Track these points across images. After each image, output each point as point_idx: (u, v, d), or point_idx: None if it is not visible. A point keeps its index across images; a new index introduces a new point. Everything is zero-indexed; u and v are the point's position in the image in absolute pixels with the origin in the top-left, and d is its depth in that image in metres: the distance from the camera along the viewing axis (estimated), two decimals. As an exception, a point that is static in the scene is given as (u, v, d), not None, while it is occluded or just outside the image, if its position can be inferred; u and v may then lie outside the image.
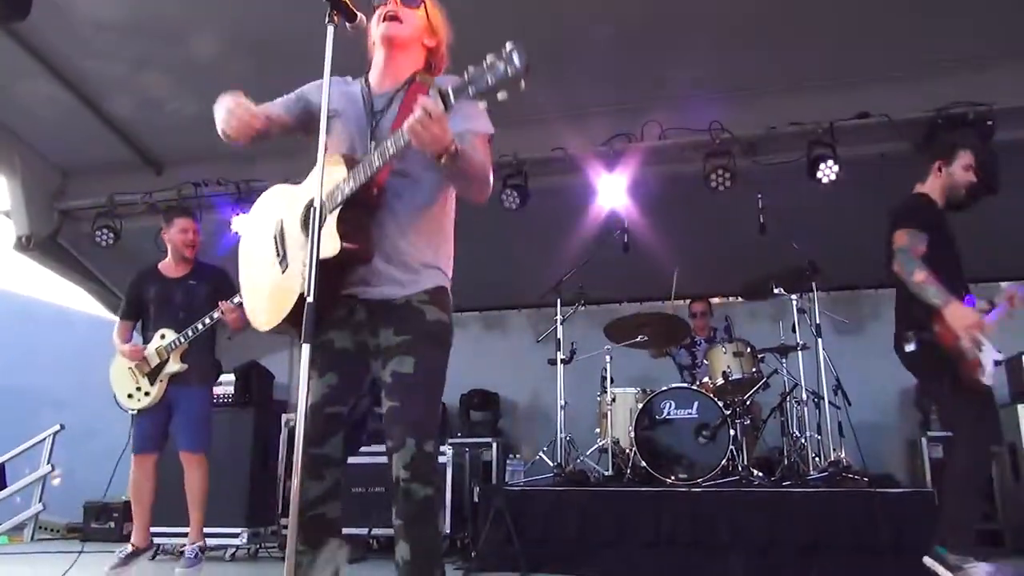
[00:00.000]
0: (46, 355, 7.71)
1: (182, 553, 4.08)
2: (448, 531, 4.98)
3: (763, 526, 3.88)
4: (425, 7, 2.15)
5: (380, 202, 2.02)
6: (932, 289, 3.05)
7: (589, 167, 5.09)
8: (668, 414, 4.63)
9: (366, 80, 2.19)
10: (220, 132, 2.11)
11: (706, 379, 5.07)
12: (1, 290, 7.94)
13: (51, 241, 6.02)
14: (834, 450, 4.53)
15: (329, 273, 1.87)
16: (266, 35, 4.48)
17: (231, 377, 5.75)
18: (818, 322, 4.71)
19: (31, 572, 4.68)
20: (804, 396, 4.66)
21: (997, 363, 3.11)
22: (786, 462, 4.63)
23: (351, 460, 2.07)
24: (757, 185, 4.92)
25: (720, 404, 4.57)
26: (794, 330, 4.87)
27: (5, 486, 6.38)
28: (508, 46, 1.65)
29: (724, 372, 4.86)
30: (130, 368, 4.05)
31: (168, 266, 4.24)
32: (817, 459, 4.60)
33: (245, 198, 5.47)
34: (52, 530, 6.65)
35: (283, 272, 2.08)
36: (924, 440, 5.39)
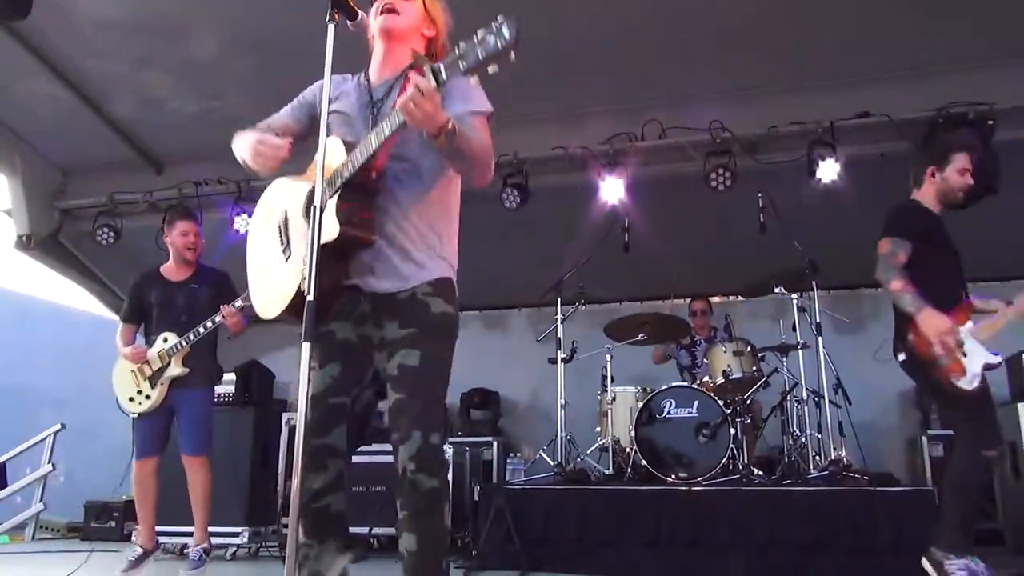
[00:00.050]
0: (46, 355, 7.69)
1: (183, 552, 4.09)
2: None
3: (763, 525, 3.88)
4: None
5: (380, 186, 2.01)
6: (907, 297, 3.09)
7: (589, 166, 5.09)
8: (668, 413, 4.63)
9: (366, 74, 2.20)
10: (244, 166, 2.12)
11: (706, 378, 5.07)
12: (2, 289, 7.92)
13: (52, 240, 6.03)
14: (834, 449, 4.54)
15: (331, 258, 1.88)
16: (266, 34, 4.48)
17: (231, 376, 5.73)
18: (818, 321, 4.71)
19: (38, 572, 4.67)
20: (804, 395, 4.66)
21: (993, 366, 3.09)
22: (786, 461, 4.63)
23: (351, 460, 2.08)
24: (757, 184, 4.92)
25: (720, 403, 4.56)
26: (794, 329, 4.87)
27: (6, 485, 6.37)
28: (499, 19, 1.64)
29: (724, 371, 4.86)
30: (132, 371, 4.05)
31: (170, 269, 4.23)
32: (817, 458, 4.60)
33: (245, 197, 5.49)
34: (53, 529, 6.65)
35: (287, 261, 2.10)
36: (924, 439, 5.39)
